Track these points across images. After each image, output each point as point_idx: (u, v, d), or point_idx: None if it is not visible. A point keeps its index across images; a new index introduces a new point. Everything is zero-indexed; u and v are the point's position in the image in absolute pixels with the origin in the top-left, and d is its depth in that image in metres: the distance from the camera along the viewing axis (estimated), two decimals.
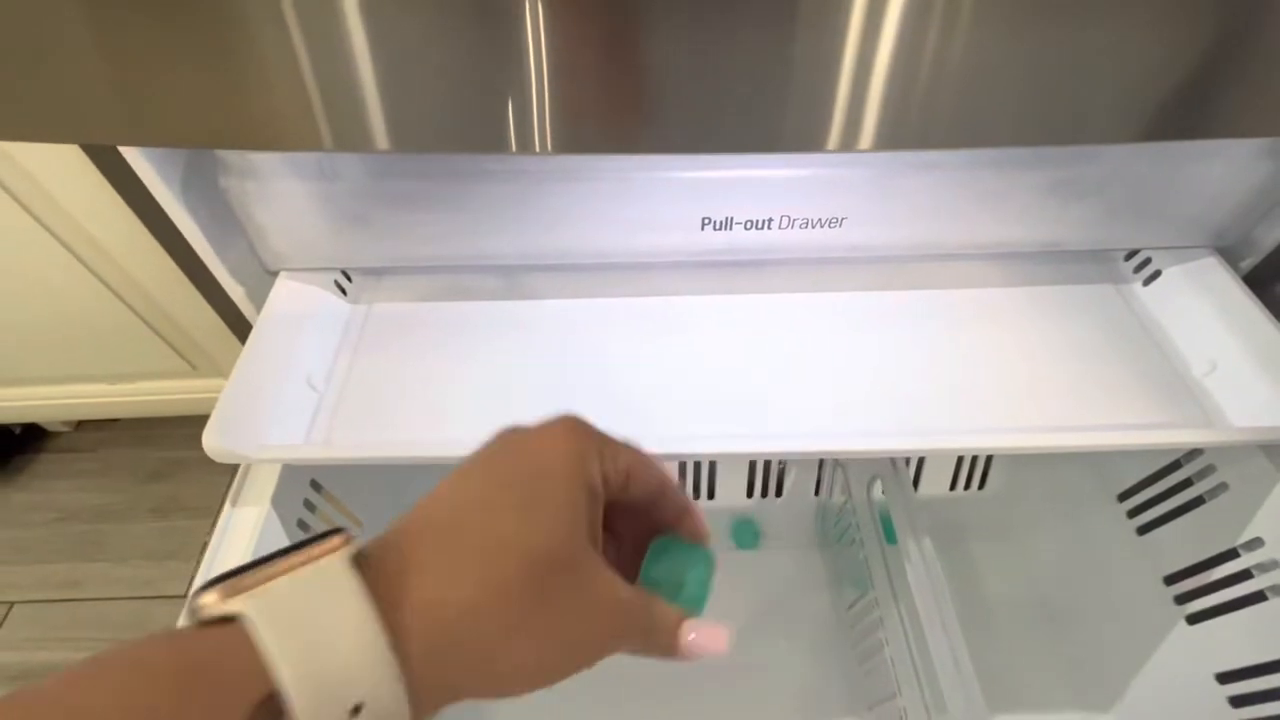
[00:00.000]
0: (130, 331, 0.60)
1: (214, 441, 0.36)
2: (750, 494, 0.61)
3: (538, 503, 0.17)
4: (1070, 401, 0.42)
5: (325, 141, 0.26)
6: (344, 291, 0.47)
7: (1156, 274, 0.47)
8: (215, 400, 0.38)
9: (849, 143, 0.29)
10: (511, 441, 0.19)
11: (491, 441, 0.20)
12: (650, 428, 0.40)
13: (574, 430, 0.19)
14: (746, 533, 0.61)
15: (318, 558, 0.16)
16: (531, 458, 0.18)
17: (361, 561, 0.16)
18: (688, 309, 0.47)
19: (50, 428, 0.83)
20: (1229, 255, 0.46)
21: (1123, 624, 0.50)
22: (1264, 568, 0.40)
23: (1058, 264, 0.50)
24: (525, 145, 0.27)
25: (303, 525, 0.41)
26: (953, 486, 0.61)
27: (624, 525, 0.21)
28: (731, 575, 0.59)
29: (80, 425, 0.84)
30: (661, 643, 0.19)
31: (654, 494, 0.21)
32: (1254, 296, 0.43)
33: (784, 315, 0.46)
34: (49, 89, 0.26)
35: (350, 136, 0.27)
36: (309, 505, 0.43)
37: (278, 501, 0.39)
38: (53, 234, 0.51)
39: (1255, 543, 0.41)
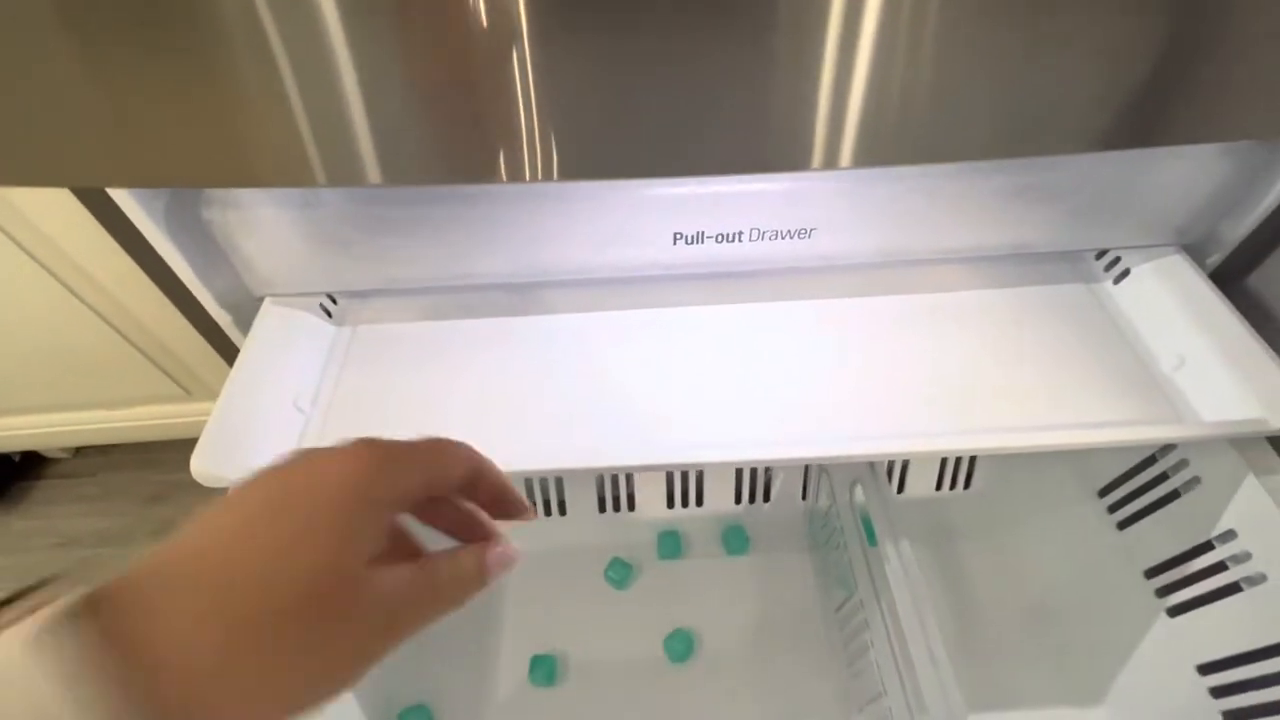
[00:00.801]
0: (125, 360, 0.61)
1: (202, 466, 0.37)
2: (739, 500, 0.62)
3: (304, 534, 0.17)
4: (1045, 400, 0.43)
5: (318, 177, 0.27)
6: (329, 314, 0.48)
7: (1126, 272, 0.48)
8: None
9: (830, 161, 0.30)
10: (291, 467, 0.18)
11: (274, 464, 0.19)
12: (635, 439, 0.41)
13: (359, 454, 0.19)
14: (736, 539, 0.61)
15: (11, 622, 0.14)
16: (308, 484, 0.18)
17: (98, 605, 0.15)
18: (666, 321, 0.47)
19: (49, 454, 0.84)
20: (1196, 252, 0.47)
21: (1108, 618, 0.51)
22: (1238, 559, 0.41)
23: (1030, 264, 0.50)
24: (515, 174, 0.28)
25: None
26: (938, 486, 0.61)
27: (442, 515, 0.22)
28: (723, 581, 0.60)
29: (79, 451, 0.85)
30: (467, 582, 0.20)
31: (467, 484, 0.21)
32: (1219, 292, 0.44)
33: (762, 324, 0.47)
34: (40, 134, 0.27)
35: (342, 171, 0.28)
36: None
37: None
38: (46, 268, 0.53)
39: (1228, 535, 0.41)
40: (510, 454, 0.41)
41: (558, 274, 0.46)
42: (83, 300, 0.56)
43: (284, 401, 0.43)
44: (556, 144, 0.27)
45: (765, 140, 0.29)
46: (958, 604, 0.58)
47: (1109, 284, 0.49)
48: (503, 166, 0.27)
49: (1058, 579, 0.56)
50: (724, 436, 0.41)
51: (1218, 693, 0.42)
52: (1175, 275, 0.46)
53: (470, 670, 0.55)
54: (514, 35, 0.25)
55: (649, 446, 0.41)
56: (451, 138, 0.26)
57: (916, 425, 0.42)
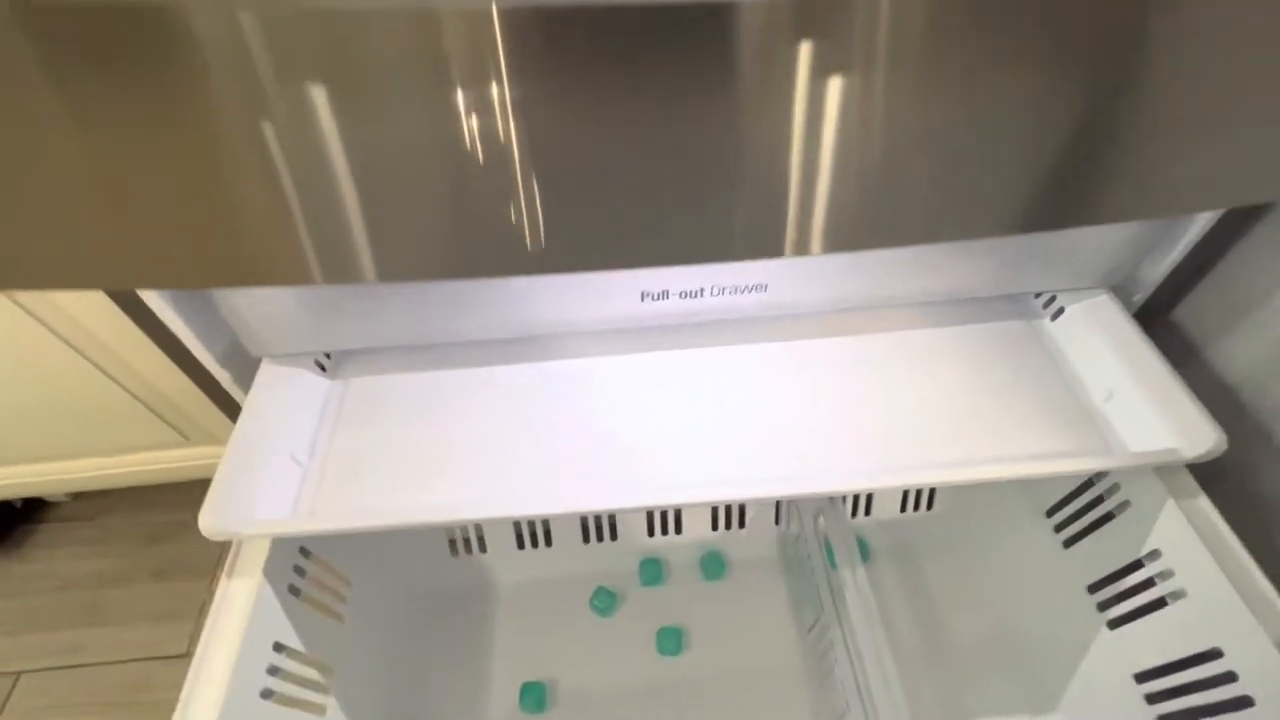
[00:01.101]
0: (125, 409, 0.64)
1: (209, 522, 0.40)
2: (715, 527, 0.65)
3: None
4: (989, 434, 0.46)
5: (315, 276, 0.30)
6: (323, 368, 0.51)
7: (1061, 310, 0.52)
8: (209, 466, 0.42)
9: (801, 249, 0.34)
10: None
11: None
12: (616, 482, 0.44)
13: None
14: (714, 564, 0.65)
15: None
16: None
17: None
18: (640, 366, 0.51)
19: (50, 498, 0.86)
20: (1122, 292, 0.51)
21: (1057, 630, 0.55)
22: (1163, 576, 0.45)
23: (975, 304, 0.54)
24: (504, 269, 0.31)
25: (293, 590, 0.45)
26: (903, 509, 0.65)
27: None
28: (703, 605, 0.64)
29: (79, 494, 0.87)
30: None
31: None
32: (1140, 330, 0.48)
33: (727, 367, 0.50)
34: (38, 239, 0.30)
35: (339, 270, 0.31)
36: (299, 570, 0.46)
37: (269, 571, 0.43)
38: (47, 326, 0.55)
39: (1155, 554, 0.45)
40: (499, 499, 0.44)
41: (536, 329, 0.49)
42: (83, 355, 0.59)
43: (283, 455, 0.46)
44: (544, 241, 0.31)
45: (740, 233, 0.33)
46: (922, 618, 0.61)
47: (1047, 321, 0.53)
48: (492, 262, 0.30)
49: (1013, 594, 0.60)
50: (698, 476, 0.45)
51: (1152, 699, 0.46)
52: (1102, 314, 0.50)
53: (461, 698, 0.58)
54: (502, 145, 0.28)
55: (629, 489, 0.44)
56: (443, 240, 0.30)
57: (872, 461, 0.45)
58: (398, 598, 0.62)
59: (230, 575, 0.42)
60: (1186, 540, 0.42)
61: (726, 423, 0.47)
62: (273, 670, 0.42)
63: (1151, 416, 0.45)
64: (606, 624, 0.62)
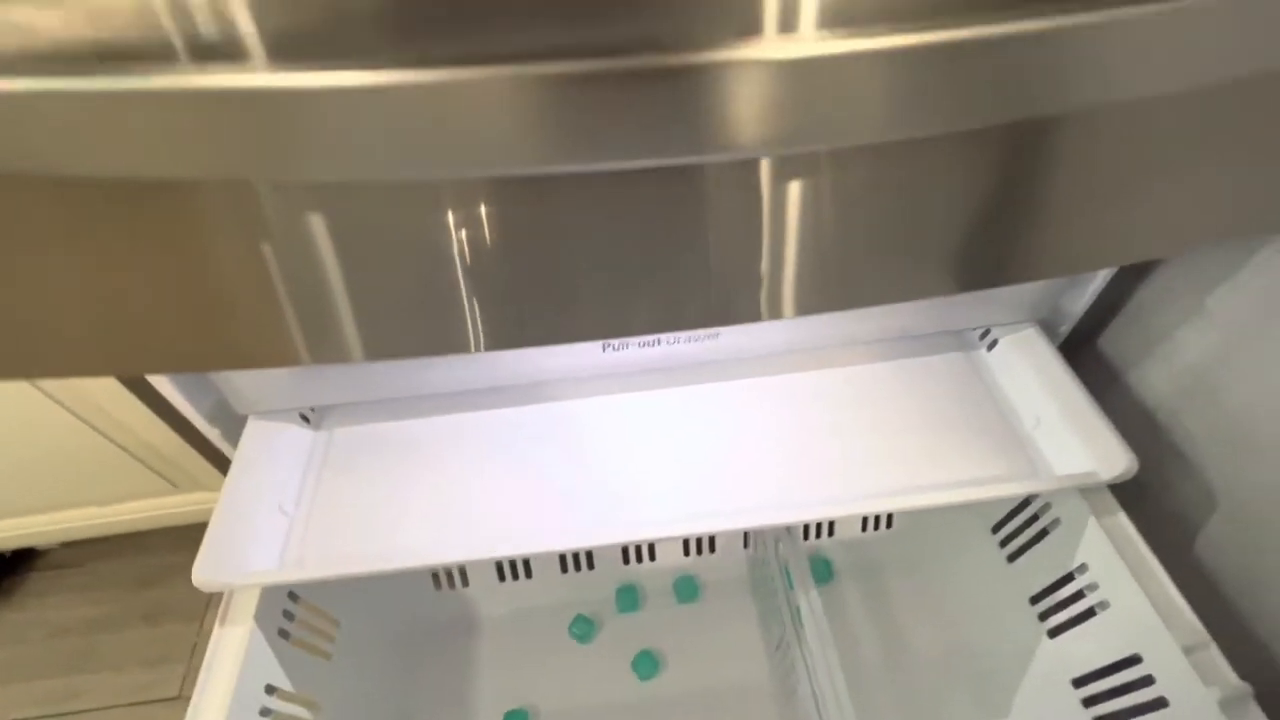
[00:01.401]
0: (117, 463, 0.67)
1: (203, 575, 0.43)
2: (687, 553, 0.68)
3: None
4: (931, 462, 0.50)
5: (303, 358, 0.34)
6: (307, 420, 0.54)
7: (995, 342, 0.57)
8: (197, 511, 0.45)
9: (774, 314, 0.37)
10: None
11: None
12: (591, 520, 0.48)
13: None
14: (687, 587, 0.68)
15: None
16: None
17: None
18: (609, 408, 0.54)
19: (40, 546, 0.88)
20: (1049, 325, 0.56)
21: (1005, 640, 0.58)
22: (1091, 588, 0.48)
23: (919, 338, 0.59)
24: (489, 344, 0.34)
25: (283, 634, 0.48)
26: (864, 528, 0.69)
27: None
28: (677, 628, 0.67)
29: (69, 542, 0.89)
30: None
31: None
32: (1063, 361, 0.52)
33: (689, 406, 0.54)
34: (56, 335, 0.33)
35: (325, 352, 0.34)
36: (288, 615, 0.49)
37: (260, 617, 0.45)
38: (43, 390, 0.58)
39: (1083, 567, 0.49)
40: (479, 541, 0.47)
41: (507, 381, 0.53)
42: (76, 414, 0.62)
43: (270, 507, 0.49)
44: (530, 323, 0.33)
45: (718, 304, 0.36)
46: (884, 633, 0.65)
47: (984, 351, 0.57)
48: (470, 341, 0.33)
49: (966, 606, 0.63)
50: (668, 511, 0.48)
51: (1088, 702, 0.50)
52: (1030, 347, 0.54)
53: None
54: (487, 245, 0.31)
55: (604, 526, 0.47)
56: (429, 326, 0.33)
57: (828, 491, 0.49)
58: (383, 633, 0.64)
59: (223, 623, 0.45)
60: (1107, 554, 0.46)
61: (692, 458, 0.51)
62: (264, 712, 0.45)
63: (1073, 441, 0.49)
64: (586, 650, 0.65)
